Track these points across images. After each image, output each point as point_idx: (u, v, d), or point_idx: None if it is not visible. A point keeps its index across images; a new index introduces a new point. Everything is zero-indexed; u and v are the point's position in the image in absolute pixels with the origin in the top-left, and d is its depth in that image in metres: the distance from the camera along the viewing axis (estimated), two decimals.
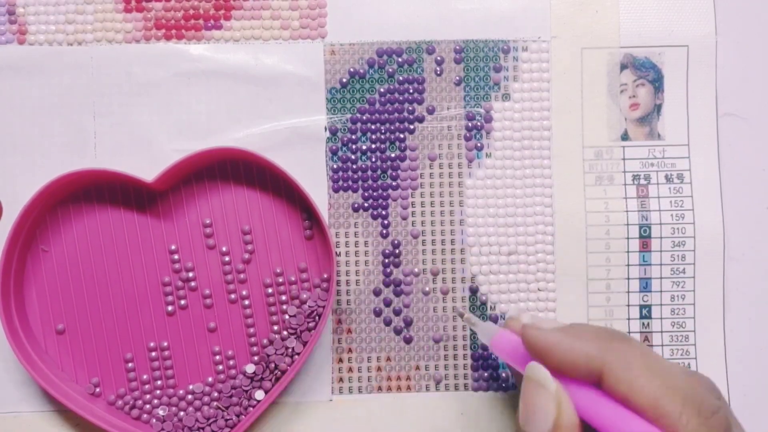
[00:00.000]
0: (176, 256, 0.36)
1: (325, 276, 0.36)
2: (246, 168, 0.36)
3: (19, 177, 0.37)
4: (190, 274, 0.36)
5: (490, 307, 0.37)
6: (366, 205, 0.37)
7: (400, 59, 0.37)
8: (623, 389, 0.21)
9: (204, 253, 0.36)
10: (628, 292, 0.37)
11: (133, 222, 0.36)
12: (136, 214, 0.36)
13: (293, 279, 0.36)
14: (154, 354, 0.36)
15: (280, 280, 0.36)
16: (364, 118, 0.37)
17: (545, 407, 0.22)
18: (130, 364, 0.36)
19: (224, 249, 0.36)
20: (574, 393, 0.23)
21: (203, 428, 0.35)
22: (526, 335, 0.24)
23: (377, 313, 0.37)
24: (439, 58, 0.37)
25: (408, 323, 0.37)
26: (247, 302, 0.36)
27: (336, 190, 0.37)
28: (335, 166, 0.37)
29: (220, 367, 0.36)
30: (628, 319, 0.37)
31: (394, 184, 0.37)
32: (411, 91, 0.37)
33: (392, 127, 0.37)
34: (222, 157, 0.36)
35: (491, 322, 0.33)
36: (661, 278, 0.37)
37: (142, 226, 0.36)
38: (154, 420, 0.36)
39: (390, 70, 0.37)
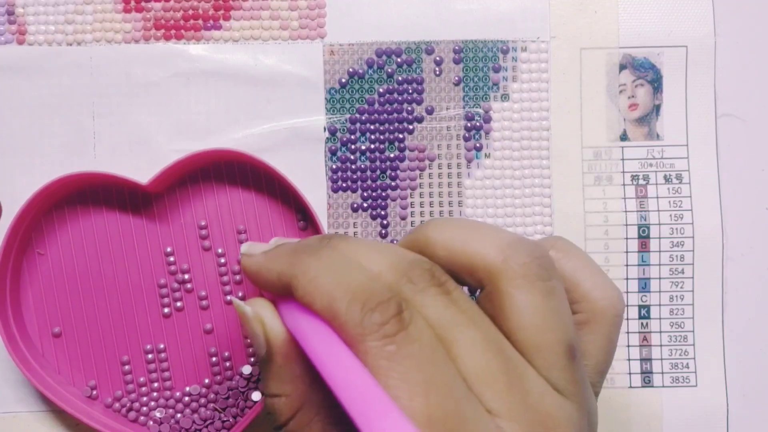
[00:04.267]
0: (172, 258, 0.34)
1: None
2: (241, 169, 0.35)
3: (19, 177, 0.35)
4: (186, 276, 0.34)
5: None
6: (365, 205, 0.35)
7: (399, 59, 0.35)
8: (303, 296, 0.20)
9: (200, 254, 0.34)
10: (627, 292, 0.36)
11: (129, 224, 0.34)
12: (132, 216, 0.34)
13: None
14: (150, 356, 0.34)
15: None
16: (363, 118, 0.35)
17: (255, 330, 0.22)
18: (126, 367, 0.34)
19: (220, 251, 0.34)
20: (283, 311, 0.22)
21: (200, 430, 0.34)
22: (242, 264, 0.24)
23: None
24: (438, 58, 0.35)
25: None
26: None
27: (335, 191, 0.35)
28: (334, 167, 0.35)
29: (217, 368, 0.34)
30: (627, 319, 0.35)
31: (393, 184, 0.35)
32: (410, 91, 0.35)
33: (391, 128, 0.35)
34: (216, 159, 0.34)
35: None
36: (659, 278, 0.35)
37: (137, 228, 0.34)
38: (151, 422, 0.34)
39: (389, 70, 0.35)
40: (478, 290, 0.21)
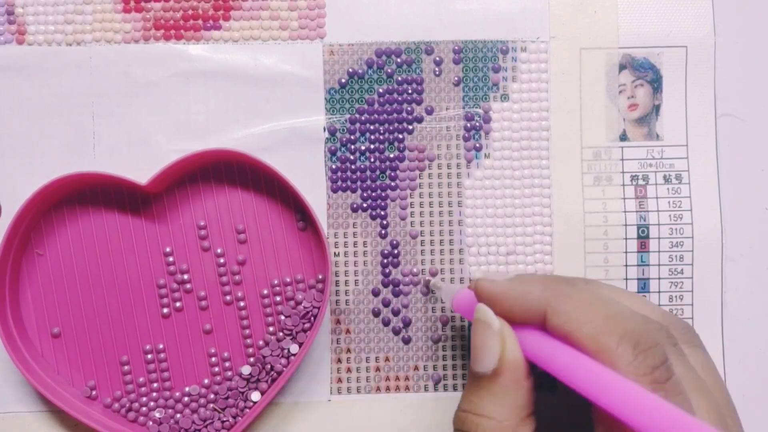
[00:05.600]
0: (171, 258, 0.34)
1: (320, 277, 0.34)
2: (240, 169, 0.34)
3: (18, 177, 0.34)
4: (185, 276, 0.34)
5: None
6: (365, 205, 0.35)
7: (398, 60, 0.35)
8: (563, 324, 0.20)
9: (199, 255, 0.34)
10: None
11: (128, 224, 0.34)
12: (131, 216, 0.34)
13: (288, 280, 0.34)
14: (149, 356, 0.34)
15: (275, 281, 0.34)
16: (363, 118, 0.35)
17: (490, 344, 0.22)
18: (126, 367, 0.33)
19: (219, 251, 0.34)
20: (522, 336, 0.22)
21: (200, 430, 0.33)
22: (478, 287, 0.24)
23: (376, 314, 0.34)
24: (437, 58, 0.35)
25: (407, 323, 0.35)
26: (242, 304, 0.34)
27: (335, 191, 0.35)
28: (334, 167, 0.35)
29: (216, 368, 0.34)
30: None
31: (392, 184, 0.35)
32: (410, 91, 0.35)
33: (391, 128, 0.35)
34: (216, 159, 0.34)
35: (454, 285, 0.32)
36: (659, 279, 0.35)
37: (136, 228, 0.34)
38: (151, 422, 0.33)
39: (389, 70, 0.35)
40: None
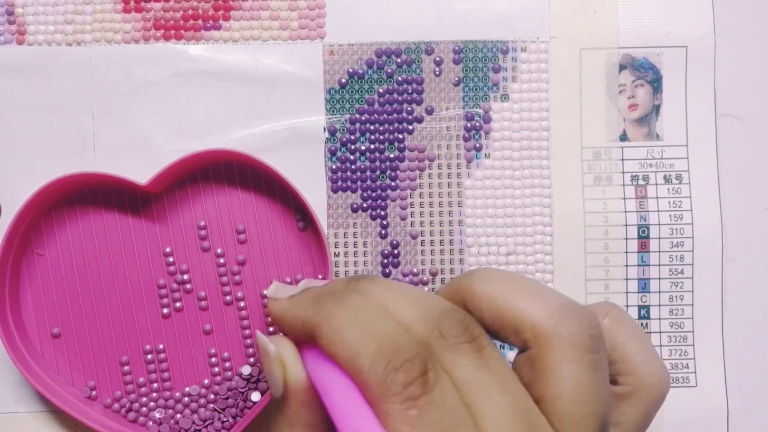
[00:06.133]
0: (171, 259, 0.33)
1: (320, 276, 0.33)
2: (240, 169, 0.34)
3: (18, 177, 0.34)
4: (185, 277, 0.33)
5: None
6: (365, 205, 0.34)
7: (398, 60, 0.35)
8: (326, 346, 0.19)
9: (199, 255, 0.34)
10: (627, 292, 0.35)
11: (128, 225, 0.33)
12: (131, 216, 0.34)
13: (288, 280, 0.34)
14: (149, 357, 0.33)
15: (275, 281, 0.33)
16: (363, 118, 0.35)
17: (272, 371, 0.21)
18: (126, 367, 0.33)
19: (219, 251, 0.34)
20: (306, 359, 0.21)
21: (200, 430, 0.33)
22: (268, 307, 0.23)
23: None
24: (437, 58, 0.35)
25: None
26: (242, 304, 0.34)
27: (335, 191, 0.34)
28: (334, 167, 0.34)
29: (216, 369, 0.33)
30: None
31: (392, 184, 0.35)
32: (410, 91, 0.35)
33: (391, 128, 0.35)
34: (215, 159, 0.33)
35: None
36: (659, 279, 0.35)
37: (136, 228, 0.34)
38: (151, 423, 0.33)
39: (389, 70, 0.35)
40: (518, 350, 0.20)
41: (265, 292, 0.24)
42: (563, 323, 0.19)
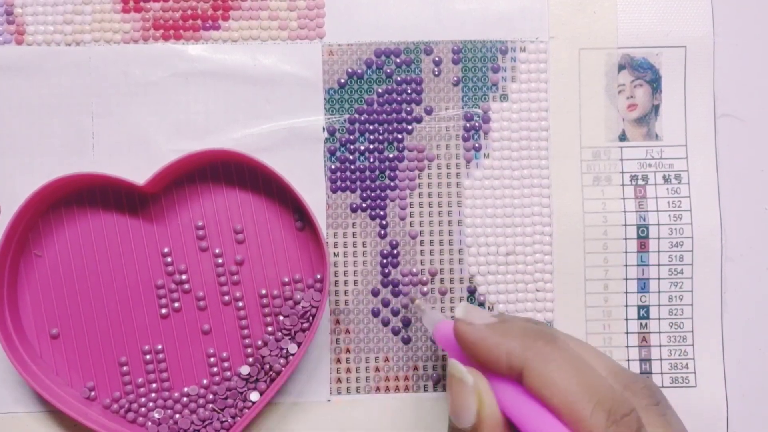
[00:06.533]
0: (169, 259, 0.33)
1: (318, 276, 0.33)
2: (238, 169, 0.34)
3: (18, 177, 0.34)
4: (184, 277, 0.33)
5: (489, 308, 0.34)
6: (364, 205, 0.34)
7: (398, 60, 0.34)
8: (539, 387, 0.20)
9: (197, 255, 0.33)
10: (626, 292, 0.35)
11: (126, 225, 0.33)
12: (129, 217, 0.33)
13: (287, 280, 0.33)
14: (148, 357, 0.33)
15: (274, 281, 0.33)
16: (362, 118, 0.34)
17: (467, 402, 0.21)
18: (124, 368, 0.33)
19: (217, 251, 0.33)
20: (498, 389, 0.22)
21: (199, 430, 0.33)
22: (457, 329, 0.23)
23: (375, 314, 0.34)
24: (437, 58, 0.34)
25: (406, 324, 0.34)
26: (240, 304, 0.33)
27: (334, 191, 0.34)
28: (333, 167, 0.34)
29: (215, 369, 0.33)
30: (626, 319, 0.34)
31: (392, 184, 0.34)
32: (409, 91, 0.34)
33: (390, 128, 0.34)
34: (213, 159, 0.33)
35: (438, 312, 0.31)
36: (659, 279, 0.34)
37: (134, 229, 0.33)
38: (150, 423, 0.33)
39: (388, 70, 0.35)
40: None
41: (456, 314, 0.24)
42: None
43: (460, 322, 0.23)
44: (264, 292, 0.33)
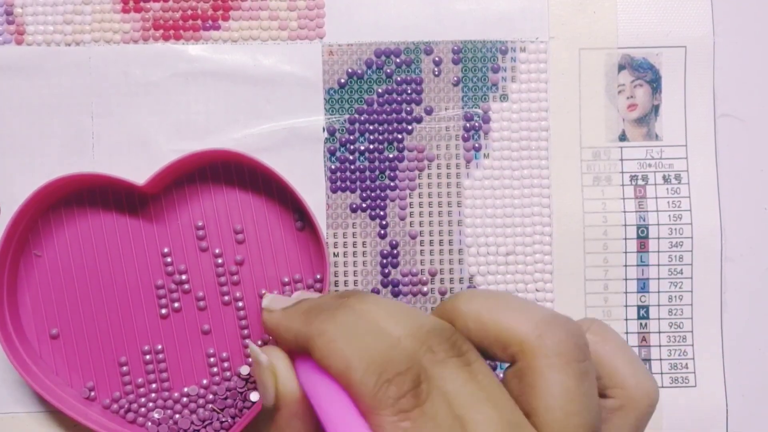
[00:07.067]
0: (169, 259, 0.33)
1: (318, 276, 0.33)
2: (237, 169, 0.33)
3: (18, 178, 0.34)
4: (183, 277, 0.33)
5: None
6: (364, 205, 0.34)
7: (398, 60, 0.34)
8: (320, 359, 0.19)
9: (197, 255, 0.33)
10: (626, 292, 0.34)
11: (126, 225, 0.33)
12: (129, 217, 0.33)
13: (286, 280, 0.33)
14: (148, 357, 0.33)
15: (274, 281, 0.33)
16: (362, 118, 0.34)
17: (264, 380, 0.21)
18: (124, 368, 0.33)
19: (217, 251, 0.33)
20: (299, 369, 0.21)
21: (198, 430, 0.32)
22: (262, 319, 0.23)
23: None
24: (437, 58, 0.34)
25: None
26: (240, 304, 0.33)
27: (334, 191, 0.34)
28: (333, 167, 0.34)
29: (215, 369, 0.33)
30: (626, 319, 0.34)
31: (392, 184, 0.34)
32: (409, 91, 0.34)
33: (390, 128, 0.34)
34: (213, 159, 0.33)
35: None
36: (658, 279, 0.34)
37: (134, 229, 0.33)
38: (150, 423, 0.32)
39: (388, 70, 0.34)
40: (507, 365, 0.20)
41: (262, 304, 0.24)
42: (548, 334, 0.19)
43: (263, 310, 0.23)
44: (264, 292, 0.33)
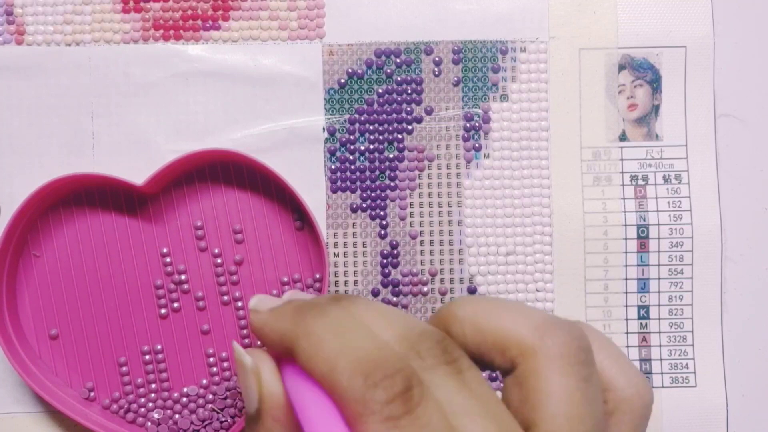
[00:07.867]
0: (168, 259, 0.33)
1: (318, 276, 0.33)
2: (236, 169, 0.33)
3: (17, 178, 0.33)
4: (183, 277, 0.33)
5: None
6: (364, 205, 0.34)
7: (398, 60, 0.34)
8: (304, 362, 0.18)
9: (196, 255, 0.33)
10: (626, 292, 0.34)
11: (125, 225, 0.33)
12: (128, 217, 0.33)
13: (286, 280, 0.33)
14: (147, 357, 0.33)
15: (273, 281, 0.33)
16: (363, 118, 0.34)
17: (248, 383, 0.20)
18: (124, 368, 0.33)
19: (216, 251, 0.33)
20: (285, 372, 0.20)
21: (198, 430, 0.32)
22: (249, 320, 0.22)
23: None
24: (437, 58, 0.34)
25: None
26: (240, 304, 0.33)
27: (334, 191, 0.34)
28: (333, 167, 0.34)
29: (215, 369, 0.33)
30: (626, 319, 0.34)
31: (392, 184, 0.34)
32: (409, 91, 0.34)
33: (390, 128, 0.34)
34: (212, 159, 0.33)
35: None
36: (659, 279, 0.34)
37: (133, 229, 0.33)
38: (149, 423, 0.32)
39: (388, 70, 0.34)
40: (504, 373, 0.19)
41: (249, 305, 0.23)
42: (549, 336, 0.18)
43: (251, 312, 0.22)
44: (263, 292, 0.33)
